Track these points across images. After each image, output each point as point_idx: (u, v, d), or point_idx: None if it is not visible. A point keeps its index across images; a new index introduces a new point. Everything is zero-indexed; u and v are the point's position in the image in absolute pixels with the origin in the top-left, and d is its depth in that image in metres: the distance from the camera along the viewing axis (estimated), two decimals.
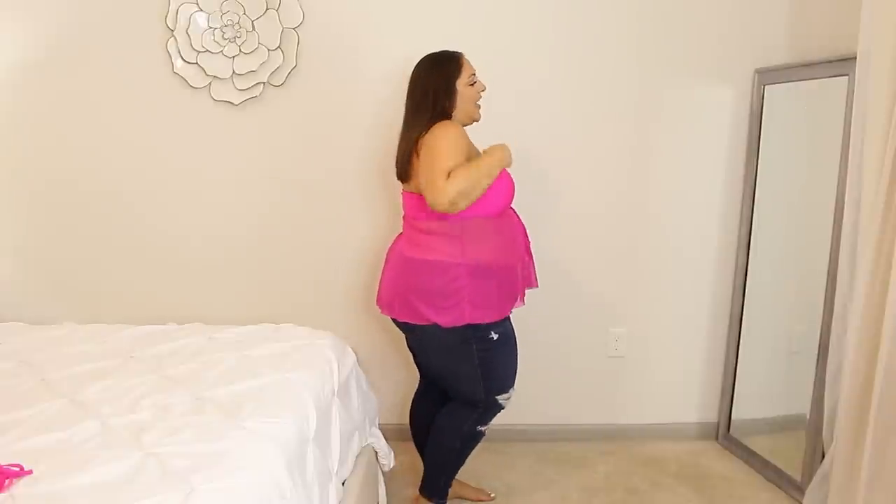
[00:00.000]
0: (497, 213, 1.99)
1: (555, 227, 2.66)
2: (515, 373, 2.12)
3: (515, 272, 2.04)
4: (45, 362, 1.94)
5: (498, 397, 2.09)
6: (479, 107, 2.06)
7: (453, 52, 2.04)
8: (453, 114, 2.00)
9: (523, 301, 2.11)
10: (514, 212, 2.08)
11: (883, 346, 1.85)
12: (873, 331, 1.92)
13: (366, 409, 2.20)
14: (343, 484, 1.91)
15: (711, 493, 2.45)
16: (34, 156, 2.63)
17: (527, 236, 2.11)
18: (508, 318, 2.08)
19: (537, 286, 2.18)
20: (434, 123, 1.94)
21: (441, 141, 1.89)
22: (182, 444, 1.44)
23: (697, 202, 2.72)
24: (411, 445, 2.33)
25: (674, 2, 2.55)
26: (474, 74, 2.04)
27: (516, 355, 2.11)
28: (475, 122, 2.07)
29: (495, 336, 2.02)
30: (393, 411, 2.70)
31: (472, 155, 1.98)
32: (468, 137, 2.00)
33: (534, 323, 2.59)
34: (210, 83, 2.52)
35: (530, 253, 2.13)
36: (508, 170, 2.02)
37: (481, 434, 2.15)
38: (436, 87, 1.99)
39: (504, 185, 2.00)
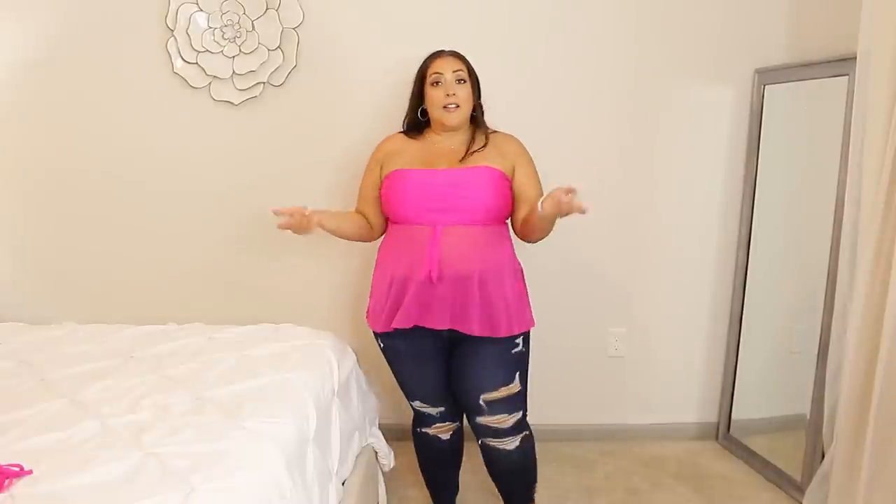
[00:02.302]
0: (396, 221, 1.94)
1: (554, 227, 2.65)
2: (413, 392, 2.07)
3: (401, 287, 1.87)
4: (45, 362, 1.94)
5: (409, 401, 2.11)
6: (449, 110, 1.90)
7: (432, 54, 1.97)
8: (431, 121, 1.98)
9: (409, 322, 1.87)
10: (434, 233, 1.83)
11: (883, 346, 1.85)
12: (873, 331, 1.92)
13: (366, 409, 2.20)
14: (343, 484, 1.91)
15: (711, 493, 2.45)
16: (34, 156, 2.63)
17: (432, 268, 1.82)
18: (397, 337, 1.95)
19: (444, 327, 1.87)
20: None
21: None
22: (182, 444, 1.44)
23: (697, 202, 2.72)
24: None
25: (673, 2, 2.55)
26: (438, 73, 1.91)
27: (409, 378, 2.05)
28: (446, 129, 1.95)
29: (381, 345, 2.05)
30: (393, 411, 2.70)
31: (385, 166, 1.97)
32: (387, 149, 2.00)
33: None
34: (210, 83, 2.52)
35: (436, 278, 1.83)
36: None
37: (416, 436, 2.17)
38: (412, 92, 2.00)
39: (393, 195, 1.92)
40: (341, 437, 1.89)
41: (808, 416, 2.33)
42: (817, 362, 2.28)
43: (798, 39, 2.54)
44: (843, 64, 2.15)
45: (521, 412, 1.96)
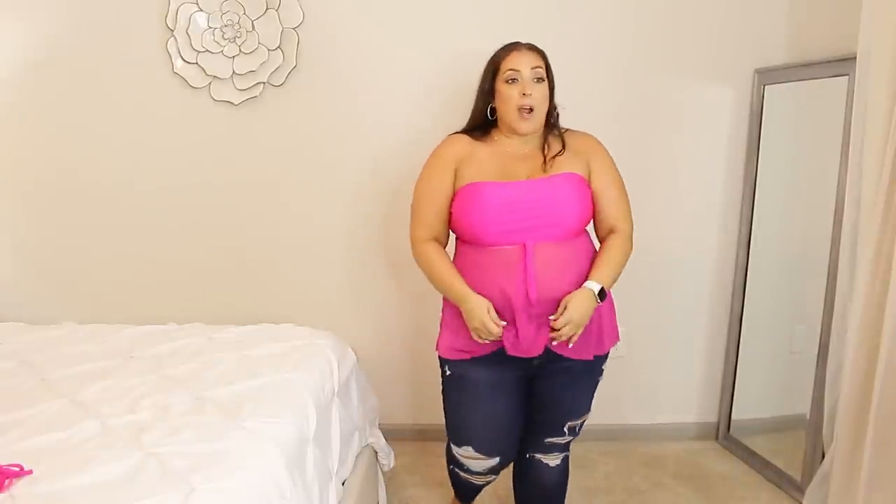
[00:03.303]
0: (474, 241, 1.69)
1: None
2: (469, 433, 1.80)
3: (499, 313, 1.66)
4: (45, 362, 1.94)
5: (452, 445, 1.87)
6: (523, 116, 1.68)
7: (507, 45, 1.73)
8: (499, 121, 1.76)
9: (514, 350, 1.67)
10: (525, 252, 1.63)
11: (883, 346, 1.85)
12: (873, 331, 1.92)
13: (366, 409, 2.20)
14: (343, 484, 1.91)
15: (711, 493, 2.45)
16: (34, 155, 2.63)
17: (531, 291, 1.63)
18: (475, 364, 1.73)
19: (530, 354, 1.69)
20: (463, 132, 1.78)
21: (421, 172, 1.76)
22: (182, 444, 1.44)
23: (697, 202, 2.72)
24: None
25: (674, 2, 2.55)
26: (515, 70, 1.67)
27: (474, 413, 1.78)
28: (518, 136, 1.73)
29: (448, 372, 1.81)
30: (393, 411, 2.70)
31: (459, 172, 1.70)
32: (458, 151, 1.73)
33: None
34: (210, 83, 2.52)
35: (531, 314, 1.65)
36: (498, 201, 1.67)
37: (452, 474, 1.99)
38: (480, 86, 1.76)
39: (474, 213, 1.67)
40: (341, 437, 1.89)
41: (808, 416, 2.33)
42: (817, 362, 2.28)
43: (798, 39, 2.54)
44: (843, 64, 2.15)
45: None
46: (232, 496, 1.27)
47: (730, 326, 2.79)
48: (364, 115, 2.57)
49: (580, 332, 1.65)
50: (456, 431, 1.85)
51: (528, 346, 1.67)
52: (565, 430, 1.87)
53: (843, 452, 2.04)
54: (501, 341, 1.67)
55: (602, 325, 1.77)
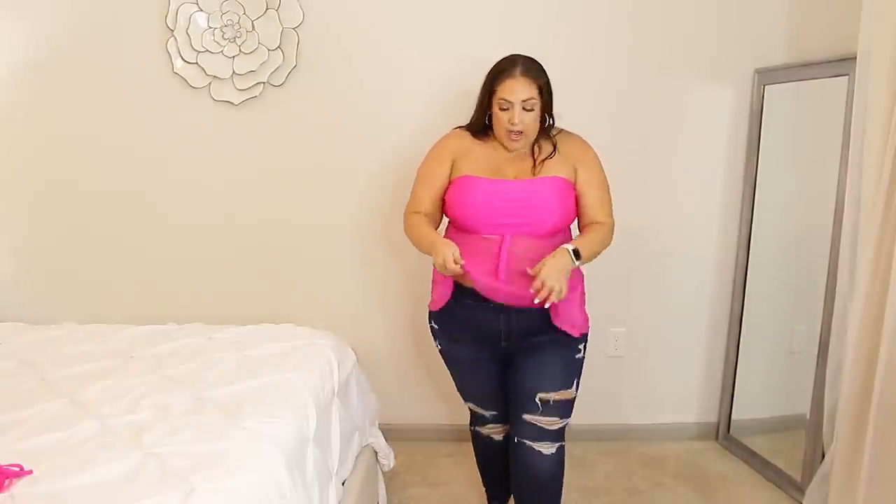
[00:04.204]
0: (463, 228, 1.85)
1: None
2: (467, 394, 2.08)
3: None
4: (45, 362, 1.94)
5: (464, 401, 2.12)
6: (511, 137, 1.81)
7: (504, 65, 1.82)
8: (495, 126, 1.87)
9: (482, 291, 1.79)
10: (503, 241, 1.78)
11: (883, 346, 1.85)
12: (873, 331, 1.92)
13: (366, 409, 2.20)
14: (343, 484, 1.91)
15: (711, 493, 2.45)
16: (34, 156, 2.63)
17: (500, 272, 1.78)
18: (456, 343, 1.96)
19: (496, 298, 1.80)
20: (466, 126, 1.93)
21: (425, 157, 1.95)
22: (182, 444, 1.44)
23: (697, 202, 2.72)
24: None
25: (673, 2, 2.55)
26: (506, 100, 1.78)
27: (464, 381, 2.06)
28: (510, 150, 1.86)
29: (439, 347, 2.02)
30: (393, 411, 2.70)
31: (456, 164, 1.86)
32: (458, 145, 1.88)
33: None
34: (210, 83, 2.52)
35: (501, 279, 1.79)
36: (484, 196, 1.81)
37: (472, 433, 2.19)
38: (479, 97, 1.88)
39: (464, 203, 1.83)
40: (341, 437, 1.89)
41: (808, 416, 2.33)
42: (817, 362, 2.28)
43: (798, 39, 2.54)
44: (843, 64, 2.15)
45: (568, 419, 1.93)
46: (232, 496, 1.27)
47: (730, 326, 2.79)
48: (364, 115, 2.57)
49: (557, 288, 1.69)
50: (460, 391, 2.11)
51: (492, 291, 1.79)
52: (538, 402, 1.86)
53: (843, 452, 2.04)
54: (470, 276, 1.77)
55: (572, 302, 1.85)
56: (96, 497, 1.24)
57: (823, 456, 2.20)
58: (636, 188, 2.68)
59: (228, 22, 2.48)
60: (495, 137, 1.89)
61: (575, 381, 1.91)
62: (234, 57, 2.49)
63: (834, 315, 2.16)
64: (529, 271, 1.73)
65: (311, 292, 2.71)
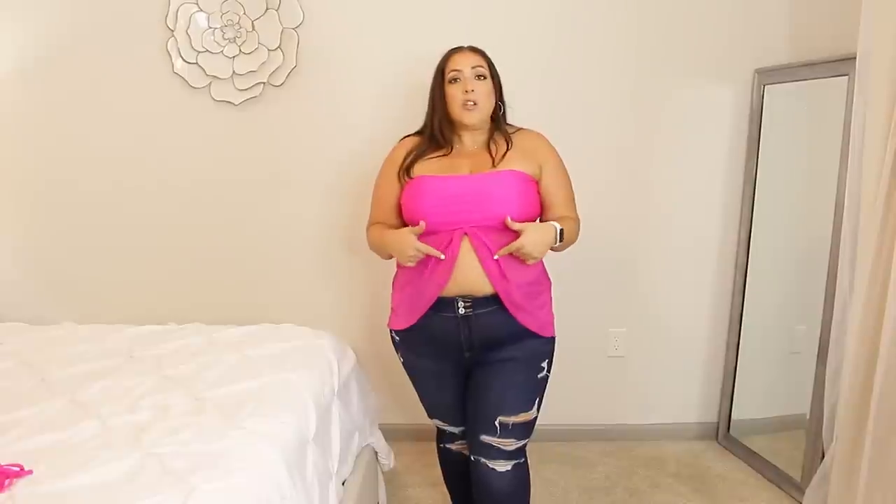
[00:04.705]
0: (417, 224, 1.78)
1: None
2: (432, 410, 2.00)
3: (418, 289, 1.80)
4: (45, 362, 1.94)
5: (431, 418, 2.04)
6: (467, 107, 1.79)
7: (450, 49, 1.86)
8: (451, 123, 1.86)
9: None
10: (457, 237, 1.74)
11: (883, 346, 1.85)
12: (873, 331, 1.92)
13: (366, 409, 2.20)
14: (343, 484, 1.91)
15: (711, 493, 2.45)
16: (34, 156, 2.63)
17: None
18: (419, 356, 1.91)
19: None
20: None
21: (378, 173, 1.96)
22: (182, 444, 1.44)
23: (697, 202, 2.72)
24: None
25: (674, 2, 2.55)
26: (457, 70, 1.80)
27: (428, 396, 1.98)
28: (467, 128, 1.84)
29: (401, 359, 1.97)
30: (393, 411, 2.70)
31: (411, 172, 1.84)
32: (408, 151, 1.87)
33: None
34: (210, 83, 2.52)
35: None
36: (439, 191, 1.79)
37: (441, 451, 2.10)
38: (430, 94, 1.89)
39: (414, 203, 1.79)
40: (341, 437, 1.89)
41: (808, 416, 2.33)
42: (817, 362, 2.28)
43: (798, 39, 2.54)
44: (843, 64, 2.15)
45: (527, 439, 1.87)
46: (232, 496, 1.27)
47: (730, 326, 2.79)
48: (364, 115, 2.57)
49: (535, 255, 1.71)
50: (425, 407, 2.03)
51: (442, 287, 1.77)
52: (497, 425, 1.79)
53: (843, 452, 2.04)
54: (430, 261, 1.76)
55: (533, 308, 1.83)
56: (96, 497, 1.24)
57: (823, 456, 2.20)
58: (636, 188, 2.69)
59: (228, 22, 2.48)
60: (448, 141, 1.87)
61: (536, 402, 1.85)
62: (234, 57, 2.49)
63: (834, 315, 2.16)
64: (513, 224, 1.70)
65: (312, 293, 2.71)
